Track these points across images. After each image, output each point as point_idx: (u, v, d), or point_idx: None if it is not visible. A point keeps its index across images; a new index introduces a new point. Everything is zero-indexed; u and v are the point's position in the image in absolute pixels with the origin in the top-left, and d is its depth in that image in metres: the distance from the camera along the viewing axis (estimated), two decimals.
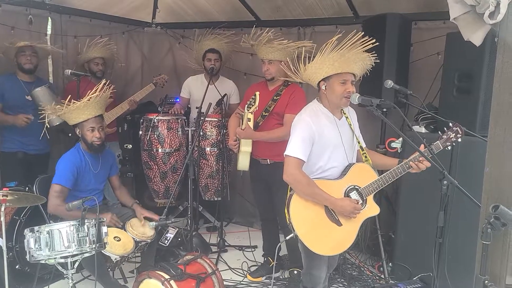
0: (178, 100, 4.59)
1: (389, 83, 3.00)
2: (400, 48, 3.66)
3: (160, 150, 4.17)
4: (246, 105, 3.28)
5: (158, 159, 4.17)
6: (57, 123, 3.76)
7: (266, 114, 3.36)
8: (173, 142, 4.19)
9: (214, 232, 4.44)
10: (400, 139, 3.56)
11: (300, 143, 2.41)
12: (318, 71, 2.46)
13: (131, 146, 4.59)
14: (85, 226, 2.51)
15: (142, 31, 5.27)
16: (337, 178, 2.48)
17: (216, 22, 4.86)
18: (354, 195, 2.44)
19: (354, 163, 2.52)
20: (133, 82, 5.25)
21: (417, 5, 3.85)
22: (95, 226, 2.56)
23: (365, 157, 2.56)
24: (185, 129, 4.30)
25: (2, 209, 2.36)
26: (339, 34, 2.45)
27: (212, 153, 4.22)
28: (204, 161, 4.23)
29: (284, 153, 2.45)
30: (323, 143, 2.45)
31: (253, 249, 4.18)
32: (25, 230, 2.50)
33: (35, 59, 3.77)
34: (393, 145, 3.61)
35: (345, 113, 2.58)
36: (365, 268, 3.81)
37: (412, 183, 3.33)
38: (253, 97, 3.20)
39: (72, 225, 2.49)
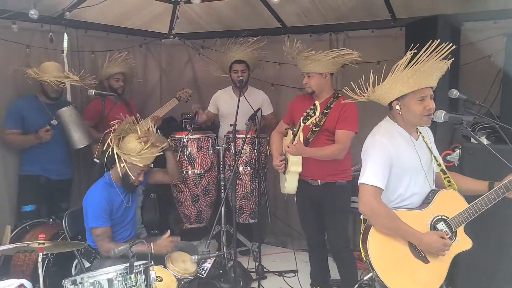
0: None
1: (455, 93, 2.72)
2: (451, 52, 3.36)
3: (190, 172, 3.84)
4: (302, 117, 2.84)
5: (189, 181, 3.83)
6: (82, 146, 3.53)
7: (316, 129, 3.04)
8: (204, 162, 3.85)
9: (246, 256, 4.14)
10: (457, 151, 3.28)
11: (377, 168, 2.10)
12: (389, 91, 2.15)
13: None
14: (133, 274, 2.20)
15: (159, 43, 4.96)
16: (420, 207, 2.17)
17: (239, 30, 4.55)
18: (441, 226, 2.13)
19: (439, 190, 2.21)
20: (152, 96, 4.97)
21: (461, 6, 3.55)
22: (142, 272, 2.25)
23: (448, 181, 2.24)
24: (216, 147, 3.98)
25: (40, 259, 2.03)
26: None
27: (246, 172, 3.90)
28: (238, 181, 3.90)
29: (359, 181, 2.14)
30: (402, 167, 2.14)
31: (294, 274, 3.87)
32: (65, 281, 2.18)
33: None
34: (449, 158, 3.33)
35: (420, 132, 2.28)
36: None
37: None
38: (312, 107, 2.78)
39: (119, 274, 2.18)
